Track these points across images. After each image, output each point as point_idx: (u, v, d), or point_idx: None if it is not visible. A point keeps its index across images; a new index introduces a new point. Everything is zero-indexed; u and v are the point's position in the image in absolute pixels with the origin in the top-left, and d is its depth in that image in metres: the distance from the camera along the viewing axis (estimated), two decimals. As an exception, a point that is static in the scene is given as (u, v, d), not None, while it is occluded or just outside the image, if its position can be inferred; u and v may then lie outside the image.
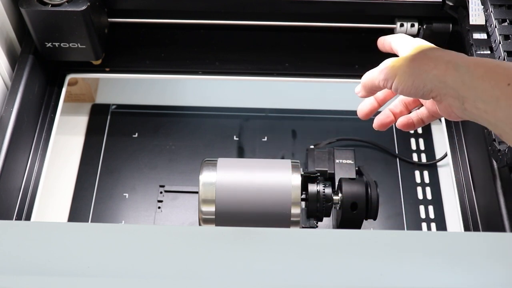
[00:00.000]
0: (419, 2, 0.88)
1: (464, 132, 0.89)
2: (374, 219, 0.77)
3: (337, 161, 0.82)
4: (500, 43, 0.77)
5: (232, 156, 0.98)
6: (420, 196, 0.95)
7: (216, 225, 0.73)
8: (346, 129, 1.01)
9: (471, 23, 0.82)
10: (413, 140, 1.01)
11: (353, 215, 0.76)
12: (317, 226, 0.78)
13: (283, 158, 0.99)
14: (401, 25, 0.92)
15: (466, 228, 0.79)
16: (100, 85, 1.07)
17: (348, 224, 0.77)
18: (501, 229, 0.72)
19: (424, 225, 0.92)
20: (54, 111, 0.89)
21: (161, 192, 0.94)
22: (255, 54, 0.95)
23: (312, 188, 0.76)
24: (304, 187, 0.76)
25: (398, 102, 0.67)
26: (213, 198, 0.72)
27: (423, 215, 0.93)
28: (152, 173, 0.96)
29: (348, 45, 0.96)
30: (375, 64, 0.88)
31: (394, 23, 0.92)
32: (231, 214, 0.72)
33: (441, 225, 0.92)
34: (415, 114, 0.66)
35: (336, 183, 0.79)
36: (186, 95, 1.08)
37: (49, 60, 0.89)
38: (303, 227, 0.76)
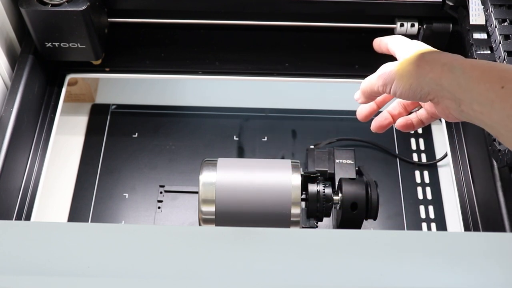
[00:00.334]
0: (419, 2, 0.88)
1: (464, 132, 0.89)
2: (374, 219, 0.77)
3: (337, 161, 0.82)
4: (500, 43, 0.77)
5: (232, 156, 0.98)
6: (420, 196, 0.95)
7: (216, 225, 0.73)
8: (346, 129, 1.01)
9: (471, 23, 0.82)
10: (413, 140, 1.01)
11: (353, 215, 0.76)
12: (317, 226, 0.78)
13: (283, 158, 0.99)
14: (401, 25, 0.92)
15: (466, 228, 0.79)
16: (100, 85, 1.07)
17: (348, 224, 0.77)
18: (501, 229, 0.72)
19: (424, 225, 0.92)
20: (54, 111, 0.89)
21: (161, 192, 0.94)
22: (255, 54, 0.95)
23: (312, 188, 0.76)
24: (304, 187, 0.76)
25: (396, 104, 0.67)
26: (213, 198, 0.72)
27: (423, 215, 0.93)
28: (152, 173, 0.96)
29: (348, 45, 0.96)
30: (375, 64, 0.88)
31: (394, 23, 0.92)
32: (231, 214, 0.72)
33: (441, 225, 0.92)
34: (415, 115, 0.66)
35: (336, 183, 0.79)
36: (186, 95, 1.08)
37: (49, 60, 0.89)
38: (303, 227, 0.76)
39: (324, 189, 0.76)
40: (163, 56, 0.95)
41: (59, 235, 0.53)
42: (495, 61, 0.78)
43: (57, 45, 0.86)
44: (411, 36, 0.93)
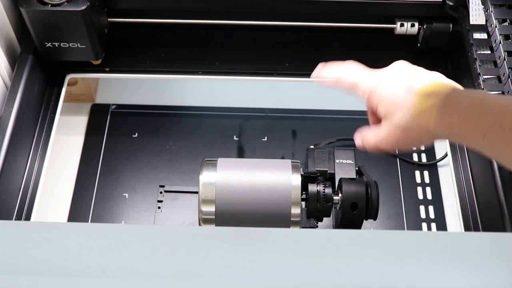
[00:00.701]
0: (419, 2, 0.88)
1: (464, 132, 0.89)
2: (374, 219, 0.77)
3: (337, 161, 0.82)
4: (500, 43, 0.77)
5: (232, 156, 0.98)
6: (420, 196, 0.95)
7: (216, 225, 0.73)
8: (346, 129, 1.01)
9: (471, 23, 0.82)
10: (413, 140, 1.01)
11: (353, 215, 0.76)
12: (317, 226, 0.78)
13: (283, 158, 0.99)
14: (401, 25, 0.92)
15: (466, 228, 0.79)
16: (100, 85, 1.07)
17: (348, 224, 0.77)
18: (501, 229, 0.72)
19: (424, 225, 0.92)
20: (54, 111, 0.89)
21: (161, 192, 0.94)
22: (255, 54, 0.95)
23: (312, 188, 0.76)
24: (304, 187, 0.76)
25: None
26: (213, 198, 0.72)
27: (423, 215, 0.93)
28: (152, 173, 0.96)
29: (348, 45, 0.96)
30: (375, 64, 0.88)
31: (394, 23, 0.92)
32: (231, 214, 0.72)
33: (441, 225, 0.92)
34: None
35: (336, 183, 0.79)
36: (186, 95, 1.08)
37: (49, 60, 0.89)
38: (303, 227, 0.76)
39: (324, 189, 0.76)
40: (163, 56, 0.95)
41: (59, 235, 0.53)
42: (495, 61, 0.78)
43: (57, 45, 0.86)
44: (411, 36, 0.93)
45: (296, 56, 0.94)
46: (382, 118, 0.62)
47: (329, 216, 0.78)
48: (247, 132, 1.01)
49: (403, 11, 0.91)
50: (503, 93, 0.75)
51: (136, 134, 1.01)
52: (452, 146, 0.89)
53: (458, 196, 0.82)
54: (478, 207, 0.80)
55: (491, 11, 0.79)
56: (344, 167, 0.82)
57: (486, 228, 0.77)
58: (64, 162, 0.97)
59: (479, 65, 0.79)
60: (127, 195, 0.94)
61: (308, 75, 0.93)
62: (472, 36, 0.81)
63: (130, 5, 0.91)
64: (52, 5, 0.82)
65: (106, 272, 0.49)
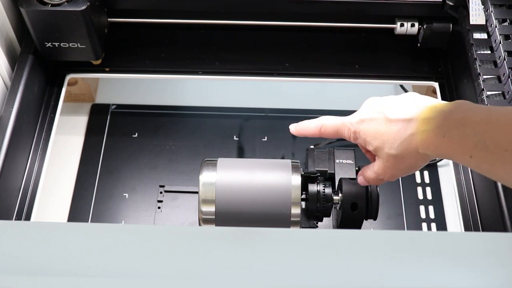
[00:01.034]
0: (419, 2, 0.88)
1: (464, 132, 0.89)
2: (374, 219, 0.77)
3: (337, 161, 0.82)
4: (500, 43, 0.77)
5: (232, 156, 0.98)
6: (420, 196, 0.95)
7: (216, 225, 0.73)
8: (346, 129, 1.01)
9: (471, 23, 0.82)
10: (413, 140, 1.01)
11: (353, 215, 0.76)
12: (317, 226, 0.78)
13: (283, 158, 0.99)
14: (401, 25, 0.92)
15: (466, 228, 0.79)
16: (100, 85, 1.07)
17: (348, 224, 0.76)
18: (502, 229, 0.72)
19: (424, 225, 0.92)
20: (54, 111, 0.89)
21: (161, 192, 0.94)
22: (255, 54, 0.95)
23: (312, 188, 0.76)
24: (304, 187, 0.76)
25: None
26: (213, 198, 0.72)
27: (423, 215, 0.93)
28: (152, 173, 0.96)
29: (348, 45, 0.96)
30: (375, 64, 0.88)
31: (394, 23, 0.92)
32: (231, 214, 0.72)
33: (441, 225, 0.92)
34: None
35: (336, 183, 0.79)
36: (186, 95, 1.08)
37: (49, 60, 0.89)
38: (303, 227, 0.76)
39: (324, 189, 0.76)
40: (163, 56, 0.95)
41: (59, 235, 0.53)
42: (495, 61, 0.78)
43: (57, 45, 0.86)
44: (411, 36, 0.94)
45: (296, 56, 0.94)
46: (375, 154, 0.63)
47: (329, 216, 0.78)
48: (247, 132, 1.01)
49: (403, 11, 0.91)
50: (503, 93, 0.75)
51: (136, 134, 1.01)
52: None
53: (458, 196, 0.82)
54: (478, 207, 0.80)
55: (491, 11, 0.79)
56: (344, 167, 0.81)
57: (486, 228, 0.77)
58: (64, 162, 0.97)
59: (479, 65, 0.79)
60: (127, 195, 0.94)
61: (308, 75, 0.94)
62: (472, 36, 0.81)
63: (130, 5, 0.91)
64: (52, 5, 0.82)
65: (106, 272, 0.49)
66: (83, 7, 0.81)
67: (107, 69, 0.93)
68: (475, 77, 0.79)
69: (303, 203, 0.76)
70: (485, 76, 0.77)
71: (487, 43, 0.80)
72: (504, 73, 0.75)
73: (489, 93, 0.76)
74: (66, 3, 0.82)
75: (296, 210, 0.72)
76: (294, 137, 1.01)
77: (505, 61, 0.75)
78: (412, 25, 0.92)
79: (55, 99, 0.90)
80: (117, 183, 0.95)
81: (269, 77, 0.93)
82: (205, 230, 0.59)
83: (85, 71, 0.93)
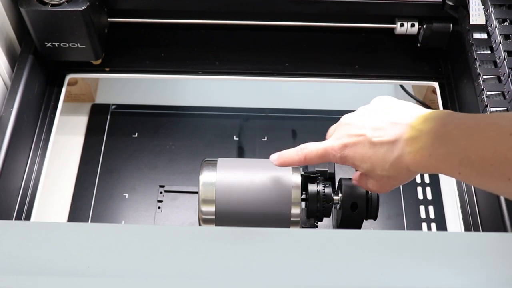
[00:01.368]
0: (419, 2, 0.88)
1: (464, 132, 0.89)
2: (374, 219, 0.77)
3: (337, 161, 0.82)
4: (500, 43, 0.77)
5: (232, 156, 0.98)
6: (420, 196, 0.95)
7: (216, 225, 0.73)
8: (346, 129, 1.01)
9: (471, 23, 0.82)
10: (413, 140, 1.01)
11: (353, 215, 0.76)
12: (317, 226, 0.78)
13: (283, 158, 0.98)
14: (401, 25, 0.92)
15: (466, 228, 0.79)
16: (100, 85, 1.07)
17: (348, 224, 0.76)
18: (502, 229, 0.72)
19: (424, 225, 0.92)
20: (54, 111, 0.89)
21: (161, 192, 0.94)
22: (255, 54, 0.95)
23: (312, 188, 0.76)
24: (304, 187, 0.76)
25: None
26: (213, 198, 0.72)
27: (423, 215, 0.93)
28: (152, 173, 0.96)
29: (348, 45, 0.96)
30: (375, 64, 0.88)
31: (394, 23, 0.92)
32: (231, 214, 0.72)
33: (441, 225, 0.92)
34: None
35: (336, 183, 0.79)
36: (186, 95, 1.08)
37: (48, 60, 0.89)
38: (303, 227, 0.76)
39: (324, 189, 0.76)
40: (163, 56, 0.95)
41: (59, 235, 0.53)
42: (495, 61, 0.78)
43: (57, 45, 0.86)
44: (411, 36, 0.93)
45: (296, 56, 0.94)
46: (367, 175, 0.63)
47: (329, 216, 0.78)
48: (247, 132, 1.01)
49: (403, 11, 0.91)
50: (503, 93, 0.75)
51: (136, 134, 1.01)
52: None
53: (458, 196, 0.82)
54: (478, 207, 0.80)
55: (491, 11, 0.79)
56: (344, 167, 0.81)
57: (486, 228, 0.77)
58: (64, 162, 0.97)
59: (479, 65, 0.79)
60: (127, 195, 0.94)
61: (308, 75, 0.94)
62: (472, 36, 0.81)
63: (130, 5, 0.91)
64: (52, 5, 0.82)
65: (106, 272, 0.49)
66: (83, 7, 0.81)
67: (107, 69, 0.93)
68: (475, 77, 0.79)
69: (303, 203, 0.76)
70: (485, 76, 0.77)
71: (487, 43, 0.80)
72: (504, 73, 0.75)
73: (489, 93, 0.76)
74: (66, 3, 0.82)
75: (296, 210, 0.72)
76: (294, 137, 1.01)
77: (505, 61, 0.75)
78: (412, 25, 0.92)
79: (55, 99, 0.90)
80: (117, 183, 0.95)
81: (269, 77, 0.93)
82: (205, 230, 0.59)
83: (85, 71, 0.93)
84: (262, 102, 1.05)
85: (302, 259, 0.51)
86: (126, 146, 0.99)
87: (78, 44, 0.86)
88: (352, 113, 0.65)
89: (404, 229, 0.91)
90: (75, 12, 0.81)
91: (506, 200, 0.73)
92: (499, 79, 0.77)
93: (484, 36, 0.81)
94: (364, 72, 0.93)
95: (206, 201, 0.73)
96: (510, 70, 0.75)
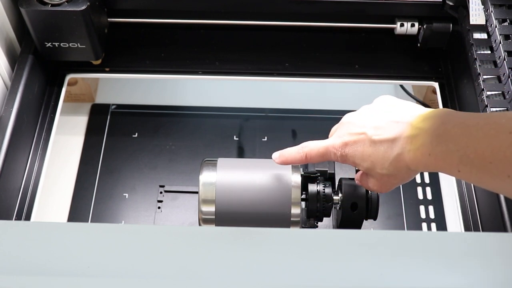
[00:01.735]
0: (419, 2, 0.88)
1: (464, 132, 0.89)
2: (374, 219, 0.77)
3: (337, 161, 0.82)
4: (500, 43, 0.77)
5: (232, 156, 0.98)
6: (420, 196, 0.95)
7: (216, 225, 0.73)
8: (346, 129, 1.01)
9: (471, 23, 0.82)
10: (413, 140, 1.01)
11: (353, 215, 0.76)
12: (317, 226, 0.78)
13: (283, 158, 0.98)
14: (401, 25, 0.92)
15: (466, 228, 0.79)
16: (100, 85, 1.07)
17: (348, 224, 0.76)
18: (502, 229, 0.72)
19: (424, 225, 0.92)
20: (54, 111, 0.89)
21: (161, 192, 0.94)
22: (255, 54, 0.95)
23: (312, 188, 0.76)
24: (304, 187, 0.76)
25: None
26: (213, 198, 0.72)
27: (423, 215, 0.93)
28: (152, 173, 0.96)
29: (348, 45, 0.96)
30: (375, 64, 0.88)
31: (394, 23, 0.92)
32: (231, 214, 0.72)
33: (441, 225, 0.92)
34: None
35: (336, 183, 0.79)
36: (186, 95, 1.08)
37: (48, 60, 0.89)
38: (303, 227, 0.76)
39: (324, 189, 0.76)
40: (163, 56, 0.95)
41: (59, 235, 0.53)
42: (495, 61, 0.78)
43: (57, 45, 0.86)
44: (411, 36, 0.93)
45: (296, 56, 0.94)
46: (367, 173, 0.64)
47: (329, 216, 0.78)
48: (247, 132, 1.01)
49: (403, 11, 0.91)
50: (503, 93, 0.75)
51: (136, 134, 1.01)
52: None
53: (458, 196, 0.82)
54: (478, 207, 0.80)
55: (491, 11, 0.79)
56: (344, 167, 0.81)
57: (486, 228, 0.77)
58: (64, 162, 0.97)
59: (479, 65, 0.79)
60: (127, 195, 0.94)
61: (308, 75, 0.94)
62: (472, 36, 0.81)
63: (130, 5, 0.91)
64: (52, 5, 0.82)
65: (106, 272, 0.49)
66: (83, 7, 0.81)
67: (107, 69, 0.93)
68: (475, 77, 0.79)
69: (303, 203, 0.76)
70: (485, 76, 0.77)
71: (487, 43, 0.80)
72: (504, 73, 0.75)
73: (489, 93, 0.76)
74: (66, 3, 0.82)
75: (296, 210, 0.72)
76: (294, 137, 1.01)
77: (505, 61, 0.75)
78: (412, 25, 0.92)
79: (55, 99, 0.90)
80: (117, 183, 0.95)
81: (269, 77, 0.93)
82: (205, 230, 0.59)
83: (85, 71, 0.93)
84: (262, 102, 1.05)
85: (302, 259, 0.51)
86: (126, 146, 0.99)
87: (78, 44, 0.86)
88: (354, 112, 0.65)
89: (404, 229, 0.91)
90: (75, 12, 0.81)
91: (506, 200, 0.73)
92: (499, 79, 0.77)
93: (484, 36, 0.81)
94: (364, 72, 0.93)
95: (206, 201, 0.73)
96: (510, 70, 0.75)
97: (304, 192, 0.76)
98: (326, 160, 0.66)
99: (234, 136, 1.01)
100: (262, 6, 0.91)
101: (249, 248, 0.52)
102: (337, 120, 1.05)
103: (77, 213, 0.92)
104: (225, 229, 0.54)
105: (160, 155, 0.98)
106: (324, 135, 0.99)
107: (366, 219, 0.77)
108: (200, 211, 0.73)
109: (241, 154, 0.99)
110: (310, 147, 0.66)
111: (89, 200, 0.93)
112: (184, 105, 1.05)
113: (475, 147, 0.51)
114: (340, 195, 0.76)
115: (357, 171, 0.82)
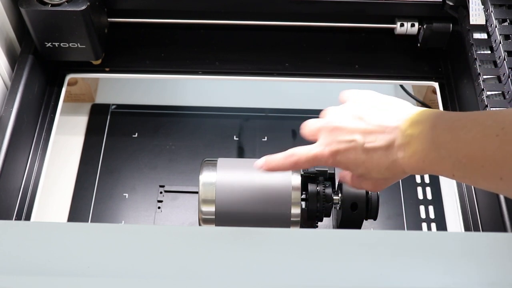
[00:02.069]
0: (419, 2, 0.88)
1: (464, 132, 0.89)
2: (374, 219, 0.77)
3: (337, 161, 0.82)
4: (500, 43, 0.77)
5: (232, 156, 0.98)
6: (420, 196, 0.95)
7: (216, 225, 0.73)
8: (346, 129, 1.01)
9: (471, 23, 0.82)
10: (413, 140, 1.01)
11: (353, 215, 0.76)
12: (317, 226, 0.78)
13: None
14: (401, 25, 0.92)
15: (466, 228, 0.79)
16: (100, 85, 1.07)
17: (348, 224, 0.76)
18: (502, 229, 0.72)
19: (424, 225, 0.92)
20: (54, 111, 0.88)
21: (161, 192, 0.94)
22: (255, 54, 0.95)
23: (312, 188, 0.76)
24: (304, 187, 0.76)
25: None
26: (213, 198, 0.72)
27: (423, 215, 0.93)
28: (152, 173, 0.96)
29: (348, 45, 0.96)
30: (375, 64, 0.88)
31: (394, 23, 0.92)
32: (231, 214, 0.72)
33: (441, 225, 0.92)
34: None
35: (336, 183, 0.79)
36: (186, 95, 1.08)
37: (48, 60, 0.89)
38: (303, 227, 0.76)
39: (324, 189, 0.76)
40: (163, 56, 0.95)
41: (59, 235, 0.53)
42: (495, 61, 0.78)
43: (57, 45, 0.86)
44: (411, 36, 0.94)
45: (296, 56, 0.94)
46: (363, 177, 0.62)
47: (329, 216, 0.78)
48: (247, 132, 1.01)
49: (403, 11, 0.91)
50: (503, 93, 0.75)
51: (136, 134, 1.01)
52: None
53: (458, 196, 0.82)
54: (478, 207, 0.80)
55: (491, 11, 0.79)
56: (344, 167, 0.81)
57: (486, 228, 0.77)
58: (64, 162, 0.97)
59: (479, 65, 0.79)
60: (127, 195, 0.94)
61: (308, 75, 0.94)
62: (472, 36, 0.81)
63: (130, 5, 0.91)
64: (52, 5, 0.82)
65: (106, 272, 0.49)
66: (83, 7, 0.81)
67: (107, 69, 0.93)
68: (475, 77, 0.79)
69: (303, 203, 0.76)
70: (485, 76, 0.77)
71: (487, 43, 0.80)
72: (504, 73, 0.75)
73: (489, 93, 0.76)
74: (66, 3, 0.82)
75: (296, 210, 0.72)
76: (294, 137, 1.01)
77: (505, 61, 0.75)
78: (412, 25, 0.92)
79: (55, 99, 0.90)
80: (117, 183, 0.95)
81: (269, 77, 0.93)
82: (205, 230, 0.59)
83: (85, 71, 0.93)
84: (262, 102, 1.05)
85: (302, 259, 0.51)
86: (126, 146, 0.99)
87: (78, 44, 0.86)
88: (336, 112, 0.63)
89: (404, 229, 0.91)
90: (75, 12, 0.81)
91: (506, 200, 0.73)
92: (499, 79, 0.77)
93: (484, 36, 0.81)
94: (364, 72, 0.93)
95: (206, 201, 0.73)
96: (510, 70, 0.75)
97: (304, 192, 0.76)
98: (314, 165, 0.64)
99: (234, 136, 1.01)
100: (262, 6, 0.91)
101: (249, 248, 0.52)
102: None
103: (77, 213, 0.92)
104: (225, 229, 0.54)
105: (160, 155, 0.98)
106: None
107: (366, 219, 0.77)
108: (200, 211, 0.73)
109: (241, 154, 0.99)
110: (298, 155, 0.63)
111: (89, 200, 0.93)
112: (184, 105, 1.05)
113: (465, 151, 0.51)
114: (340, 195, 0.76)
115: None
